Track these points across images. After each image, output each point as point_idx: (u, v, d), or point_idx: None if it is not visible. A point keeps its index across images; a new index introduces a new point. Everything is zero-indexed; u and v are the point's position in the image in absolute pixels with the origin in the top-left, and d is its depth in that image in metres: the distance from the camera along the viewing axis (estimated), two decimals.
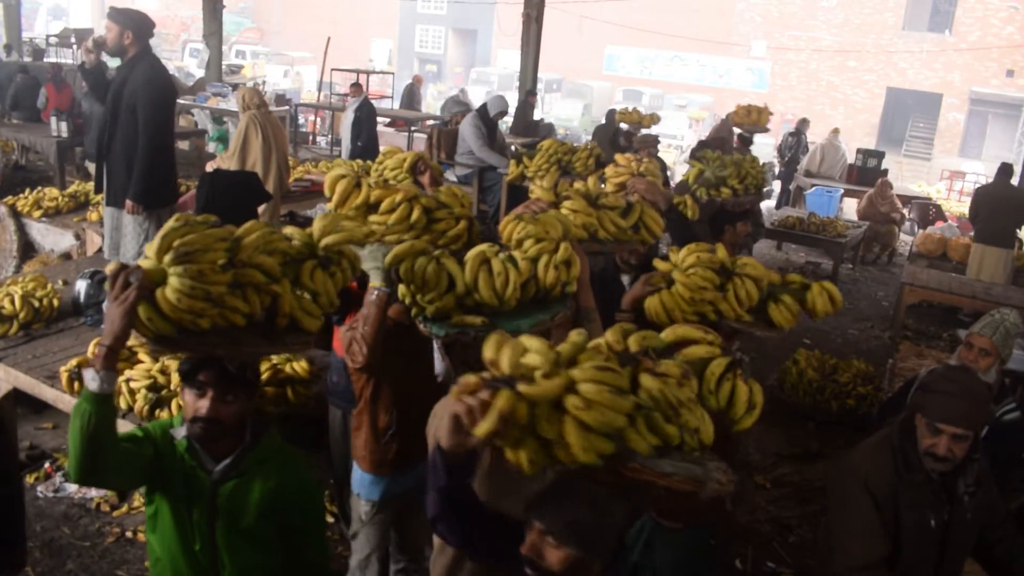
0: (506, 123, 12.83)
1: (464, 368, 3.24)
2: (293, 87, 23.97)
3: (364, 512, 3.06)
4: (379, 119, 11.53)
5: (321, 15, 34.09)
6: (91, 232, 6.92)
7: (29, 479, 4.26)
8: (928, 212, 12.48)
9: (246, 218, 2.49)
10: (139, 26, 4.99)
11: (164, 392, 3.40)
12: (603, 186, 3.75)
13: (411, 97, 16.80)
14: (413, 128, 13.61)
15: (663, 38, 28.70)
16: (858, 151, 13.34)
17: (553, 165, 5.02)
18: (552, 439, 1.54)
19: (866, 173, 12.57)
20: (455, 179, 8.72)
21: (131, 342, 2.18)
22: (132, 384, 3.43)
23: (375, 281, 2.44)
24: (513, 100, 13.48)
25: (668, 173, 9.04)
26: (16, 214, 7.25)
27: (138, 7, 6.85)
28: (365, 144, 9.96)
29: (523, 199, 2.93)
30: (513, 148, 9.44)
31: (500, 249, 2.42)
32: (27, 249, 7.23)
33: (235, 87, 11.18)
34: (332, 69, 15.55)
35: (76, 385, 3.39)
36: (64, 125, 9.16)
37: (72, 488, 4.22)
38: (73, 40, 17.05)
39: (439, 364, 3.12)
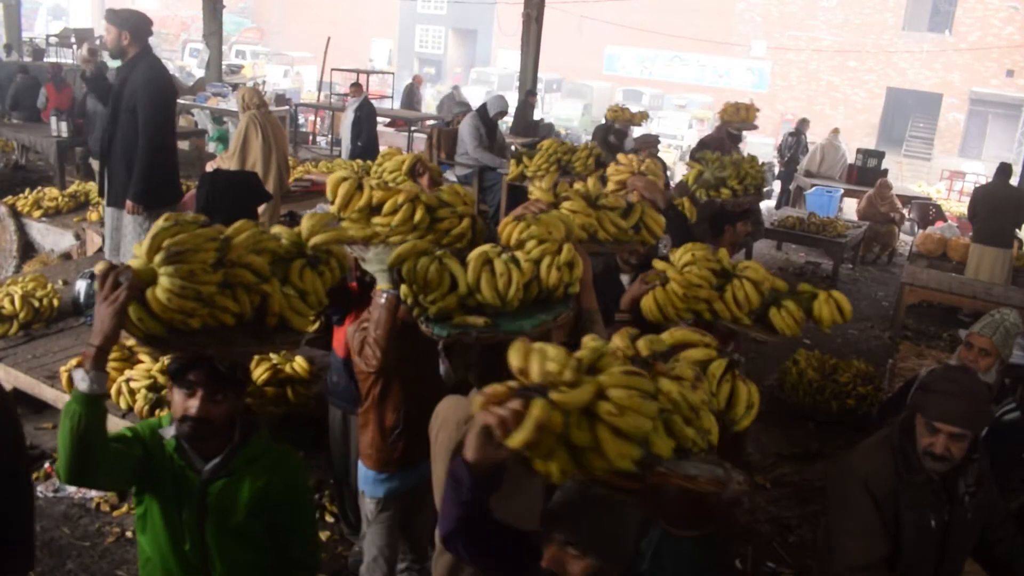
0: (506, 123, 12.82)
1: (465, 370, 3.25)
2: (293, 87, 23.96)
3: (370, 510, 3.07)
4: (379, 119, 11.53)
5: (321, 15, 34.09)
6: (91, 232, 6.93)
7: None
8: (928, 212, 12.48)
9: (246, 218, 2.50)
10: (136, 26, 4.99)
11: (164, 392, 3.41)
12: (604, 185, 3.75)
13: (411, 97, 16.80)
14: (413, 128, 13.62)
15: (663, 38, 28.69)
16: (858, 151, 13.33)
17: (553, 165, 5.02)
18: (585, 447, 1.52)
19: (866, 173, 12.56)
20: (455, 179, 8.72)
21: (130, 341, 2.18)
22: (132, 384, 3.43)
23: (383, 284, 2.45)
24: (513, 100, 13.48)
25: (668, 173, 9.05)
26: (16, 214, 7.26)
27: (137, 7, 6.86)
28: (365, 144, 9.97)
29: (523, 199, 2.93)
30: (513, 148, 9.45)
31: (503, 250, 2.42)
32: (27, 249, 7.24)
33: (235, 87, 11.18)
34: (332, 69, 15.55)
35: None
36: (64, 125, 9.16)
37: (72, 488, 4.22)
38: (73, 40, 17.04)
39: (440, 367, 3.12)
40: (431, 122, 13.96)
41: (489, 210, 8.54)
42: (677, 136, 21.32)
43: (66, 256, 6.95)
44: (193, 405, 2.03)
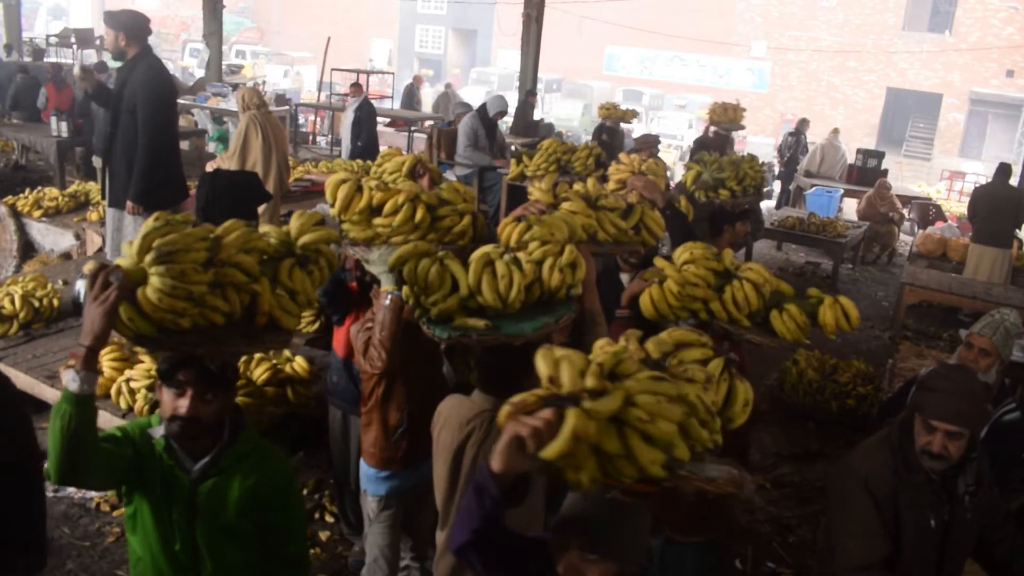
0: (506, 123, 12.82)
1: (467, 370, 3.25)
2: (293, 87, 23.96)
3: (372, 509, 3.08)
4: (379, 119, 11.53)
5: (321, 15, 34.09)
6: (91, 232, 6.93)
7: None
8: (928, 212, 12.48)
9: (246, 219, 2.49)
10: (133, 27, 4.99)
11: None
12: (605, 184, 3.75)
13: (411, 97, 16.80)
14: (413, 128, 13.61)
15: (663, 38, 28.69)
16: (858, 151, 13.33)
17: (552, 165, 5.02)
18: (615, 454, 1.51)
19: (866, 173, 12.56)
20: (455, 179, 8.73)
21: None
22: (132, 384, 3.43)
23: (387, 284, 2.45)
24: (513, 100, 13.48)
25: (668, 173, 9.09)
26: (16, 214, 7.26)
27: (137, 7, 6.86)
28: (365, 144, 9.97)
29: (523, 199, 2.93)
30: (513, 148, 9.46)
31: (505, 251, 2.41)
32: (27, 249, 7.24)
33: (235, 87, 11.17)
34: (332, 69, 15.55)
35: None
36: (64, 125, 9.16)
37: (72, 488, 4.22)
38: (73, 40, 17.05)
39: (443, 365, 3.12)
40: (428, 123, 13.96)
41: (489, 210, 8.54)
42: (677, 136, 21.33)
43: (66, 256, 6.95)
44: (183, 404, 2.03)
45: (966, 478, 2.48)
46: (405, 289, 2.35)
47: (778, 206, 13.25)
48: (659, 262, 2.68)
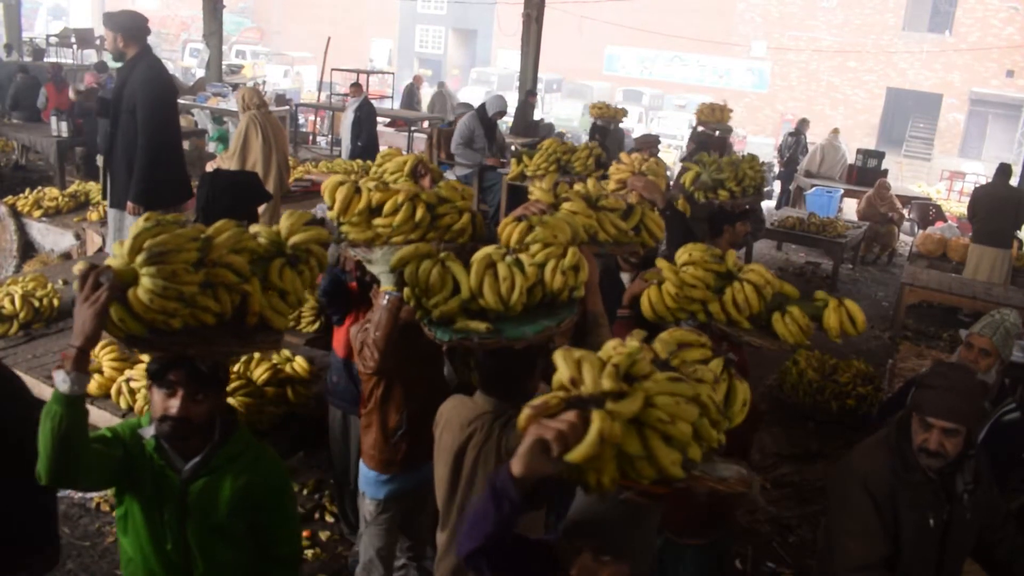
0: (506, 123, 12.82)
1: (468, 371, 3.25)
2: (293, 87, 23.97)
3: (369, 512, 3.07)
4: (379, 119, 11.53)
5: (321, 15, 34.09)
6: (91, 232, 6.93)
7: None
8: (928, 212, 12.48)
9: (246, 218, 2.49)
10: (130, 28, 4.98)
11: None
12: (605, 183, 3.75)
13: (411, 97, 16.80)
14: (413, 128, 13.61)
15: (663, 38, 28.69)
16: (858, 151, 13.33)
17: (552, 165, 5.02)
18: (636, 455, 1.52)
19: (866, 173, 12.56)
20: (455, 179, 8.73)
21: None
22: (132, 384, 3.42)
23: (387, 285, 2.44)
24: (513, 100, 13.48)
25: (668, 173, 9.11)
26: (16, 214, 7.26)
27: (136, 7, 6.86)
28: (365, 144, 9.97)
29: (524, 199, 2.93)
30: (513, 148, 9.48)
31: (507, 252, 2.39)
32: (27, 249, 7.24)
33: (235, 87, 11.18)
34: (332, 69, 15.55)
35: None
36: (64, 125, 9.16)
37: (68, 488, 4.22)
38: (73, 40, 17.07)
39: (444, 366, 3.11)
40: (426, 123, 13.97)
41: (489, 210, 8.54)
42: (677, 136, 21.30)
43: (66, 256, 6.95)
44: (173, 405, 2.02)
45: (964, 476, 2.48)
46: (406, 290, 2.34)
47: (778, 206, 13.25)
48: (660, 263, 2.68)
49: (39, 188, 7.69)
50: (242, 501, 2.14)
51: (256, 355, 3.65)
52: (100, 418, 3.34)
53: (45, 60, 15.73)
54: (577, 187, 2.99)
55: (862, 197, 11.73)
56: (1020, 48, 24.87)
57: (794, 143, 13.91)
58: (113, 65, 8.36)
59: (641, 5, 27.46)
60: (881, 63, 27.12)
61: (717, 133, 8.23)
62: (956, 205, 15.81)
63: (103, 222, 6.82)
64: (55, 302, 4.35)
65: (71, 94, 8.94)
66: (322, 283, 3.14)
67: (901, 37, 26.98)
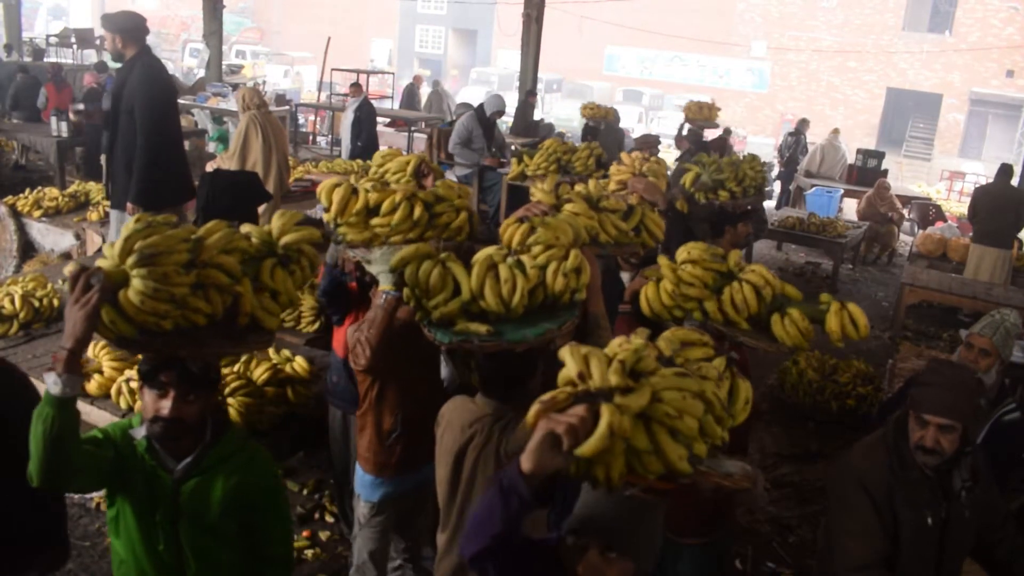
0: (506, 123, 12.82)
1: (469, 371, 3.24)
2: (293, 87, 23.97)
3: (363, 514, 3.05)
4: (379, 119, 11.53)
5: (321, 15, 34.09)
6: (91, 232, 6.93)
7: None
8: (928, 212, 12.48)
9: (246, 219, 2.49)
10: (128, 29, 4.98)
11: None
12: (604, 182, 3.75)
13: (411, 97, 16.80)
14: (413, 128, 13.61)
15: (663, 38, 28.69)
16: (858, 151, 13.33)
17: (553, 165, 5.01)
18: (644, 450, 1.52)
19: (866, 173, 12.57)
20: (455, 179, 8.74)
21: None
22: (132, 384, 3.42)
23: (385, 284, 2.43)
24: (513, 100, 13.48)
25: (668, 173, 9.13)
26: (16, 214, 7.25)
27: (137, 7, 6.86)
28: (365, 144, 9.97)
29: (524, 199, 2.93)
30: (513, 148, 9.48)
31: (508, 253, 2.38)
32: (27, 249, 7.23)
33: (235, 87, 11.18)
34: (332, 69, 15.55)
35: None
36: (64, 125, 9.16)
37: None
38: (73, 40, 17.06)
39: (443, 371, 3.10)
40: (422, 124, 13.97)
41: (489, 210, 8.54)
42: None
43: (66, 256, 6.95)
44: (165, 406, 2.02)
45: (961, 473, 2.49)
46: (406, 291, 2.33)
47: (778, 206, 13.25)
48: (660, 260, 2.67)
49: (39, 188, 7.68)
50: (234, 501, 2.14)
51: (256, 355, 3.65)
52: (100, 418, 3.34)
53: (45, 60, 15.73)
54: (578, 188, 2.98)
55: (862, 197, 11.73)
56: (1020, 48, 24.87)
57: (794, 143, 13.91)
58: (113, 65, 8.35)
59: (641, 5, 27.47)
60: (881, 63, 27.13)
61: (706, 130, 8.27)
62: (956, 205, 15.82)
63: (103, 222, 6.82)
64: (55, 302, 4.35)
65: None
66: (322, 283, 3.14)
67: (901, 37, 26.98)
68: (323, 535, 4.03)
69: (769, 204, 13.20)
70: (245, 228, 2.30)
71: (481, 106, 8.84)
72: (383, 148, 9.70)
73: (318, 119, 16.76)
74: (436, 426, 2.50)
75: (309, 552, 3.87)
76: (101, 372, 3.51)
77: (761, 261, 8.63)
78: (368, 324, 2.51)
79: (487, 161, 8.57)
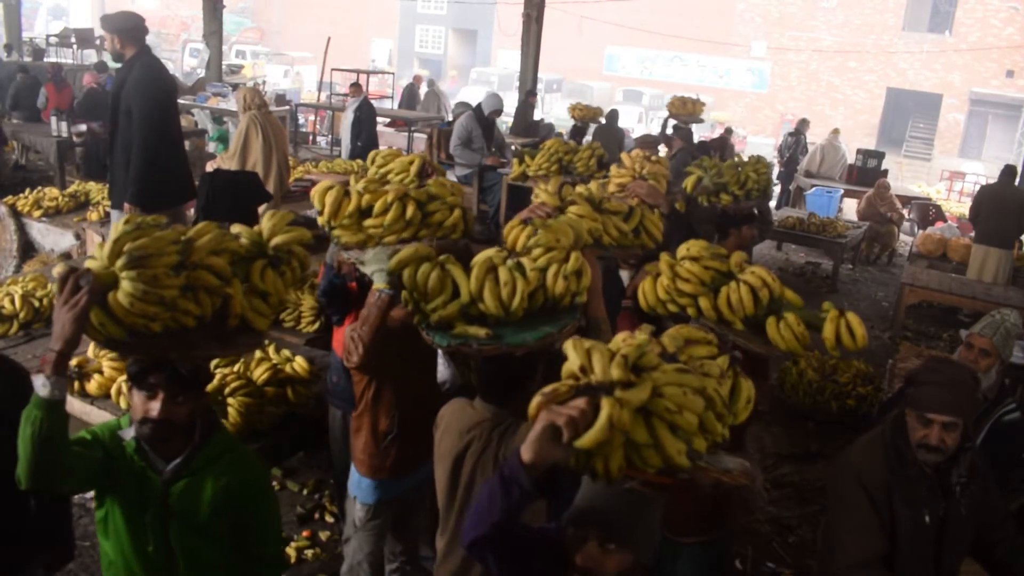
0: (506, 123, 12.82)
1: (466, 370, 3.24)
2: (293, 87, 23.96)
3: (359, 517, 3.04)
4: (379, 119, 11.53)
5: (321, 15, 34.08)
6: (91, 232, 6.92)
7: None
8: (928, 212, 12.48)
9: (246, 219, 2.48)
10: (127, 29, 4.98)
11: None
12: (604, 181, 3.74)
13: (411, 97, 16.80)
14: (413, 128, 13.62)
15: (663, 38, 28.70)
16: (858, 151, 13.34)
17: (555, 165, 5.00)
18: (642, 444, 1.54)
19: (866, 173, 12.57)
20: (455, 179, 8.74)
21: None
22: None
23: (378, 283, 2.43)
24: (513, 100, 13.48)
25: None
26: (16, 214, 7.25)
27: (137, 7, 6.86)
28: (365, 144, 9.97)
29: (524, 199, 2.92)
30: (513, 148, 9.48)
31: (508, 255, 2.36)
32: (27, 249, 7.23)
33: (235, 87, 11.18)
34: (332, 69, 15.55)
35: (76, 384, 3.39)
36: (64, 125, 9.16)
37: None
38: (73, 40, 17.06)
39: (443, 372, 3.10)
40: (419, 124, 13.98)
41: (489, 210, 8.54)
42: None
43: (66, 256, 6.95)
44: (154, 407, 2.01)
45: (959, 469, 2.50)
46: (404, 294, 2.31)
47: (778, 206, 13.25)
48: (662, 256, 2.66)
49: (39, 188, 7.68)
50: (224, 502, 2.13)
51: (256, 355, 3.65)
52: (100, 418, 3.34)
53: (45, 60, 15.74)
54: (579, 189, 2.98)
55: (862, 197, 11.73)
56: (1020, 48, 24.87)
57: (794, 143, 13.92)
58: (113, 65, 8.35)
59: (641, 5, 27.46)
60: (881, 63, 27.13)
61: (690, 127, 8.26)
62: (956, 205, 15.82)
63: (103, 222, 6.81)
64: (55, 302, 4.36)
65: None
66: (321, 283, 3.14)
67: (901, 37, 26.98)
68: (323, 535, 4.03)
69: (770, 204, 13.20)
70: (235, 229, 2.28)
71: (479, 106, 8.84)
72: (383, 148, 9.70)
73: (318, 119, 16.76)
74: (435, 428, 2.49)
75: (309, 552, 3.87)
76: (101, 372, 3.51)
77: (761, 261, 8.64)
78: (362, 322, 2.50)
79: (489, 161, 8.57)
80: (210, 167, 6.41)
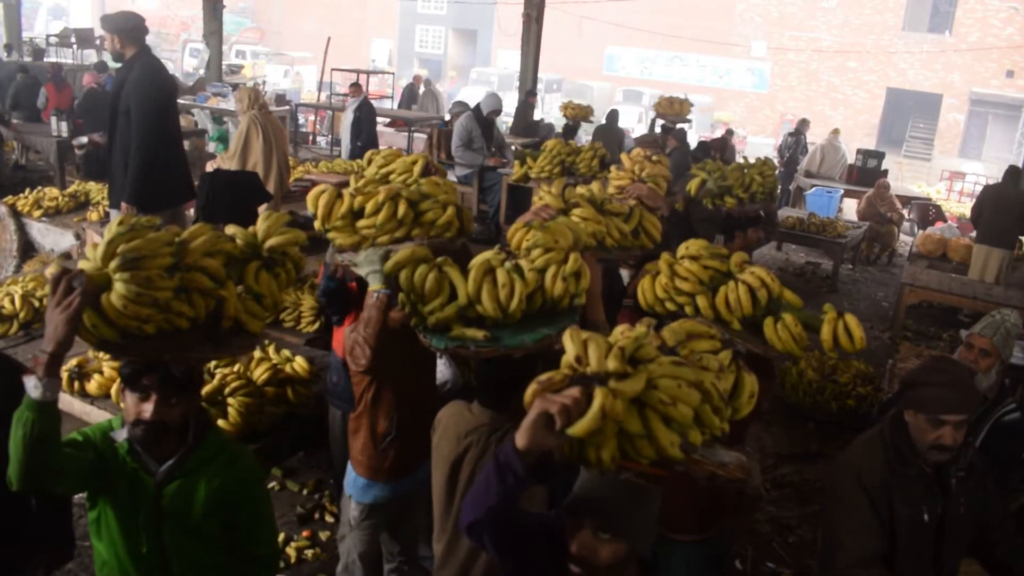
0: (506, 123, 12.82)
1: (467, 371, 3.23)
2: (293, 87, 23.96)
3: (354, 516, 3.03)
4: (379, 119, 11.53)
5: (321, 15, 34.08)
6: (91, 232, 6.92)
7: None
8: (928, 213, 12.49)
9: (247, 219, 2.48)
10: (126, 29, 4.98)
11: None
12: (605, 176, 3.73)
13: (411, 97, 16.80)
14: (413, 128, 13.62)
15: (663, 38, 28.69)
16: (858, 151, 13.34)
17: (557, 167, 4.99)
18: (635, 435, 1.57)
19: (866, 173, 12.58)
20: (455, 179, 8.74)
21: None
22: None
23: (374, 284, 2.42)
24: (513, 100, 13.48)
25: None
26: (16, 214, 7.25)
27: (137, 7, 6.87)
28: (365, 144, 9.97)
29: (524, 199, 2.92)
30: (513, 148, 9.48)
31: (507, 257, 2.35)
32: (27, 249, 7.23)
33: (235, 87, 11.18)
34: (332, 69, 15.55)
35: (76, 384, 3.40)
36: (64, 125, 9.16)
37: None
38: (73, 40, 17.06)
39: (444, 373, 3.09)
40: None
41: (489, 210, 8.54)
42: None
43: (66, 256, 6.95)
44: (147, 409, 2.00)
45: (958, 464, 2.51)
46: (401, 296, 2.29)
47: (778, 206, 13.26)
48: (665, 255, 2.66)
49: (39, 188, 7.68)
50: (217, 503, 2.13)
51: (256, 355, 3.65)
52: (100, 418, 3.33)
53: (45, 60, 15.73)
54: (580, 190, 2.97)
55: (862, 197, 11.74)
56: (1020, 48, 24.87)
57: (794, 143, 13.92)
58: (113, 65, 8.36)
59: (641, 5, 27.45)
60: (881, 63, 27.12)
61: (676, 126, 8.27)
62: (956, 205, 15.83)
63: (103, 222, 6.82)
64: None
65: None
66: (321, 283, 3.14)
67: (901, 37, 26.97)
68: (323, 535, 4.03)
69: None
70: (230, 230, 2.28)
71: (478, 106, 8.84)
72: (382, 148, 9.70)
73: (318, 119, 16.76)
74: (432, 431, 2.48)
75: (309, 552, 3.87)
76: (101, 372, 3.51)
77: (761, 261, 8.64)
78: (364, 324, 2.49)
79: (490, 161, 8.57)
80: (210, 167, 6.41)
